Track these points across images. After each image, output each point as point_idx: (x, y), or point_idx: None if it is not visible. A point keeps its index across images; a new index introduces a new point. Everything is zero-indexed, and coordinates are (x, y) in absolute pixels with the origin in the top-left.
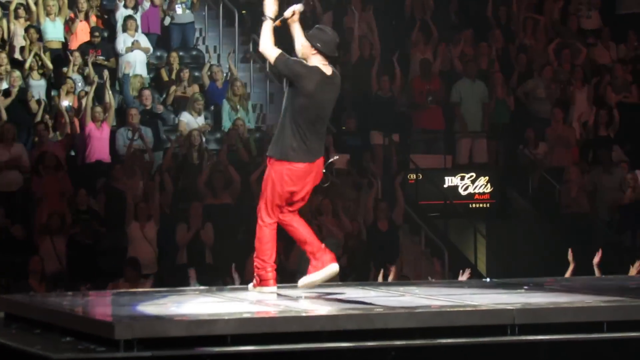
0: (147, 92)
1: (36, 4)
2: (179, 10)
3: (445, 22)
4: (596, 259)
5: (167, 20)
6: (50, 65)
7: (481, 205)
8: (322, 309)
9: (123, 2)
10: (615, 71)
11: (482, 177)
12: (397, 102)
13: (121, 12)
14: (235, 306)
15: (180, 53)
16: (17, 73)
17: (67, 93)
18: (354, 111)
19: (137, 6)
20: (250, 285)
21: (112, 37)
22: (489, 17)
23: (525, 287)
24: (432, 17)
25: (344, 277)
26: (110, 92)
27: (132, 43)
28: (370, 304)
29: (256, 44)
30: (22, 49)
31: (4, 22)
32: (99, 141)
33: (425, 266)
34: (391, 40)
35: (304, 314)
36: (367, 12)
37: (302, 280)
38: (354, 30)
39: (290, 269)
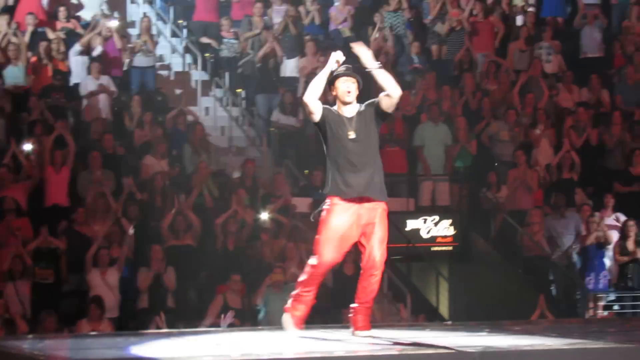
0: (108, 136)
1: None
2: (139, 55)
3: (407, 66)
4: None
5: (127, 64)
6: (10, 109)
7: (444, 248)
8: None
9: (81, 48)
10: (578, 114)
11: (444, 220)
12: None
13: (83, 59)
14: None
15: (143, 96)
16: None
17: (28, 137)
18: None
19: (98, 49)
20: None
21: (74, 80)
22: (452, 60)
23: (487, 330)
24: (395, 60)
25: (308, 321)
26: (70, 135)
27: (96, 86)
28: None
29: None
30: None
31: None
32: (57, 185)
33: (388, 309)
34: None
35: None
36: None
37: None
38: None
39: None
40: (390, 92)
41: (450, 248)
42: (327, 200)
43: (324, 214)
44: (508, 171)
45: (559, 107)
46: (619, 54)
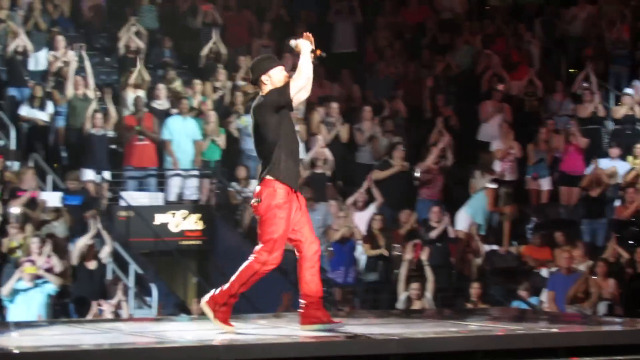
0: None
1: None
2: None
3: (159, 61)
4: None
5: None
6: None
7: (192, 242)
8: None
9: None
10: (329, 109)
11: (193, 215)
12: (110, 139)
13: None
14: None
15: None
16: None
17: None
18: (68, 148)
19: None
20: None
21: None
22: (203, 56)
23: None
24: (147, 55)
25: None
26: None
27: None
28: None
29: None
30: None
31: None
32: None
33: (135, 303)
34: (105, 78)
35: None
36: (76, 50)
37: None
38: (69, 69)
39: None
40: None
41: (199, 242)
42: (271, 189)
43: (271, 203)
44: (257, 166)
45: (310, 101)
46: (371, 49)
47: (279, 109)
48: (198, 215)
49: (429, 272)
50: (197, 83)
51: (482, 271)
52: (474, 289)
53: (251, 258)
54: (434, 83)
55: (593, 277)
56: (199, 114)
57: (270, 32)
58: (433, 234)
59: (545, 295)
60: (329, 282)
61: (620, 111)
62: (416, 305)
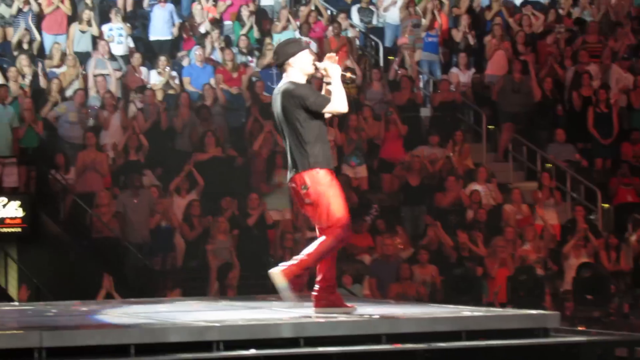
0: None
1: None
2: None
3: None
4: None
5: None
6: None
7: (12, 229)
8: None
9: None
10: (147, 97)
11: (13, 202)
12: None
13: None
14: None
15: None
16: None
17: None
18: None
19: None
20: None
21: None
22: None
23: (54, 311)
24: None
25: None
26: None
27: None
28: None
29: None
30: None
31: None
32: None
33: None
34: None
35: None
36: None
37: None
38: None
39: None
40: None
41: (19, 230)
42: (314, 172)
43: (320, 187)
44: (77, 153)
45: (127, 89)
46: (189, 36)
47: (307, 110)
48: (18, 203)
49: (234, 259)
50: (13, 70)
51: None
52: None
53: (328, 234)
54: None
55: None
56: (14, 100)
57: (89, 20)
58: (250, 221)
59: (367, 282)
60: (148, 269)
61: (437, 98)
62: (231, 293)
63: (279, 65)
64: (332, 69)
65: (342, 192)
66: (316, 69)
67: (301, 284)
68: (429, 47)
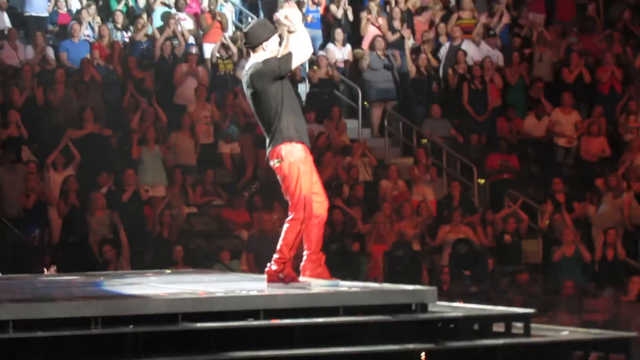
0: None
1: None
2: None
3: None
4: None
5: None
6: None
7: None
8: None
9: None
10: (23, 73)
11: None
12: None
13: None
14: None
15: None
16: None
17: None
18: None
19: None
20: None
21: None
22: None
23: None
24: None
25: None
26: None
27: None
28: None
29: None
30: None
31: None
32: None
33: None
34: None
35: None
36: None
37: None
38: None
39: None
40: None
41: None
42: (289, 146)
43: (293, 160)
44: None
45: (4, 64)
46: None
47: (280, 77)
48: None
49: (122, 235)
50: None
51: (183, 234)
52: (176, 252)
53: (289, 221)
54: (123, 47)
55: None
56: None
57: None
58: (125, 196)
59: (244, 258)
60: (25, 245)
61: (315, 75)
62: (112, 268)
63: (251, 47)
64: (293, 14)
65: (314, 170)
66: (278, 22)
67: (290, 271)
68: (310, 23)
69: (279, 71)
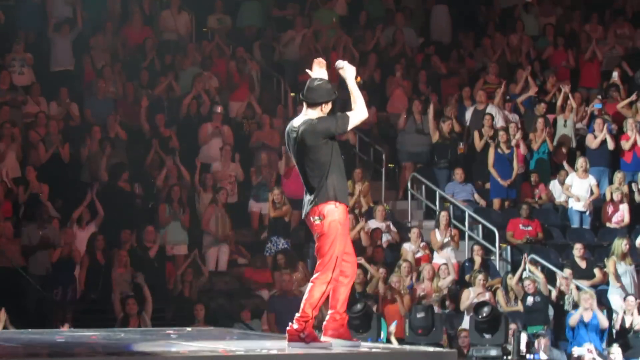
0: None
1: None
2: None
3: None
4: None
5: None
6: None
7: None
8: None
9: None
10: (48, 128)
11: None
12: None
13: None
14: None
15: None
16: None
17: None
18: None
19: None
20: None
21: None
22: None
23: None
24: None
25: None
26: None
27: None
28: None
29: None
30: None
31: None
32: None
33: None
34: None
35: None
36: None
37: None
38: None
39: None
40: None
41: None
42: (333, 206)
43: (334, 219)
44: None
45: (26, 122)
46: (88, 67)
47: (333, 137)
48: None
49: (146, 292)
50: None
51: (204, 292)
52: (197, 310)
53: (316, 280)
54: (150, 103)
55: None
56: None
57: None
58: (152, 253)
59: (265, 317)
60: (48, 301)
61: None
62: (133, 325)
63: (310, 103)
64: (349, 69)
65: (348, 234)
66: (338, 68)
67: (311, 332)
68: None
69: (335, 131)
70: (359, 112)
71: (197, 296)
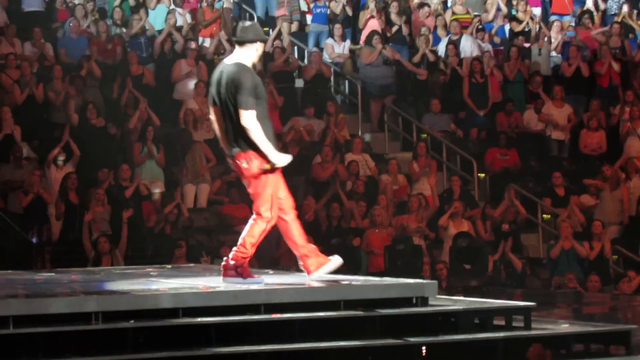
0: None
1: None
2: None
3: None
4: None
5: None
6: None
7: None
8: None
9: None
10: (22, 69)
11: None
12: None
13: None
14: None
15: None
16: None
17: None
18: None
19: None
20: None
21: None
22: None
23: None
24: None
25: None
26: None
27: None
28: None
29: None
30: None
31: None
32: None
33: None
34: None
35: None
36: None
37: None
38: None
39: None
40: None
41: None
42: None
43: (267, 167)
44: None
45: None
46: (62, 8)
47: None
48: None
49: (124, 230)
50: None
51: (184, 230)
52: (177, 247)
53: (257, 218)
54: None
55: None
56: None
57: None
58: (127, 193)
59: None
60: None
61: (310, 71)
62: (105, 263)
63: (239, 41)
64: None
65: (282, 175)
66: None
67: (247, 267)
68: (318, 18)
69: (237, 99)
70: (258, 137)
71: (177, 234)
